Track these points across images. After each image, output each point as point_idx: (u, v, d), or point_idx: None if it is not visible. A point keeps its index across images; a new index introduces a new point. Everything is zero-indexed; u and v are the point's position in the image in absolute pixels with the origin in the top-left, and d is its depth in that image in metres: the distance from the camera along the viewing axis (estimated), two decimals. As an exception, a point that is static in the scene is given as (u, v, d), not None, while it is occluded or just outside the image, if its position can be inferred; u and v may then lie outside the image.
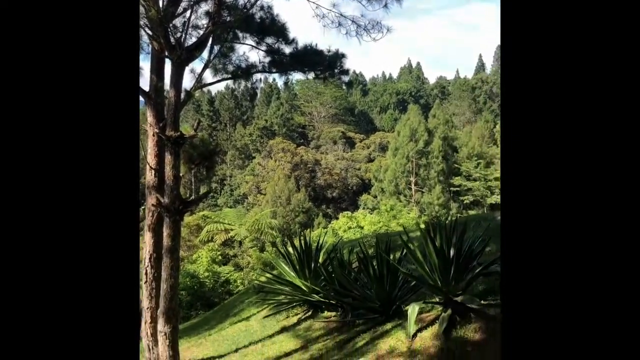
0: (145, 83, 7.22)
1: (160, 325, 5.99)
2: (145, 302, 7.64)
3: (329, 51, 7.90)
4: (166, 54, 6.26)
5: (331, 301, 7.59)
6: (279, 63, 7.71)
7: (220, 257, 22.42)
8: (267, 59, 7.66)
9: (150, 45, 6.89)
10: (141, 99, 7.38)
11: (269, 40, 7.46)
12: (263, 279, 10.59)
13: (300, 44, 7.63)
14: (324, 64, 7.90)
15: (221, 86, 76.14)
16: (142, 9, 5.79)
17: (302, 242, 8.35)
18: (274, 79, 70.78)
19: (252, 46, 7.38)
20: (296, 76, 8.57)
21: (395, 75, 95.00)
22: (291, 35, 7.51)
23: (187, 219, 29.18)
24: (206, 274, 17.35)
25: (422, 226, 7.66)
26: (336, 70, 8.06)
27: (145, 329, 7.59)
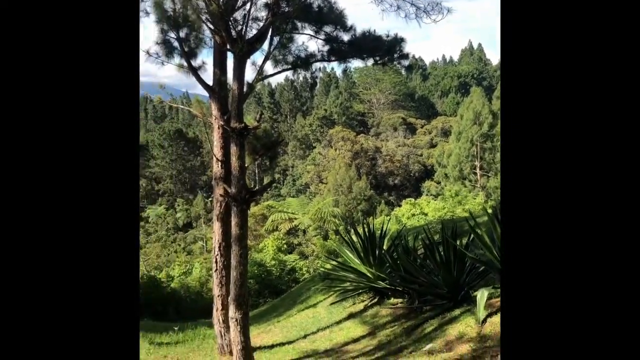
0: (208, 77, 7.42)
1: (232, 312, 6.17)
2: (215, 290, 7.90)
3: (387, 36, 7.80)
4: (228, 47, 6.40)
5: (397, 288, 7.57)
6: (338, 51, 7.69)
7: (285, 246, 22.77)
8: (326, 48, 7.65)
9: (212, 40, 7.07)
10: (205, 93, 7.59)
11: (327, 28, 7.44)
12: (328, 266, 10.69)
13: (359, 31, 7.57)
14: (382, 49, 7.80)
15: (281, 78, 77.03)
16: (202, 4, 5.94)
17: (366, 229, 8.36)
18: (333, 68, 70.78)
19: (311, 35, 7.40)
20: (355, 63, 8.55)
21: (455, 58, 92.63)
22: (349, 22, 7.47)
23: (253, 209, 29.81)
24: (272, 262, 17.68)
25: (490, 211, 7.48)
26: (395, 55, 7.95)
27: (216, 316, 7.86)
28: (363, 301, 8.28)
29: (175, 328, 9.94)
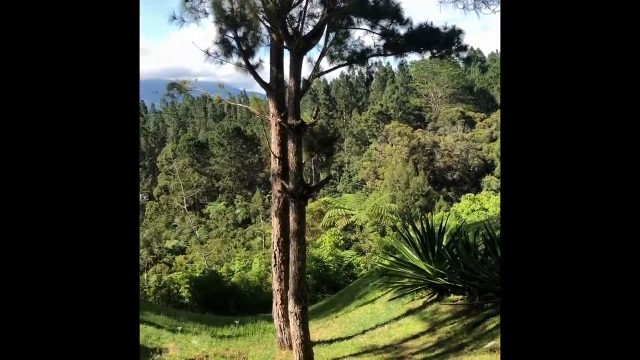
0: (265, 75, 7.53)
1: (291, 306, 6.25)
2: (275, 285, 8.02)
3: (445, 28, 7.65)
4: (284, 44, 6.46)
5: (457, 284, 7.44)
6: (394, 45, 7.61)
7: (342, 242, 22.82)
8: (382, 42, 7.59)
9: (269, 38, 7.16)
10: (263, 91, 7.71)
11: (384, 22, 7.38)
12: (386, 262, 10.62)
13: (415, 23, 7.47)
14: (440, 41, 7.66)
15: (336, 74, 76.96)
16: (259, 3, 6.03)
17: (424, 225, 8.25)
18: (389, 63, 70.20)
19: (367, 30, 7.36)
20: (411, 57, 8.45)
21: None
22: (405, 15, 7.38)
23: (310, 205, 30.01)
24: (330, 258, 17.75)
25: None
26: (453, 47, 7.78)
27: (276, 310, 7.98)
28: (422, 297, 8.18)
29: (236, 322, 10.16)
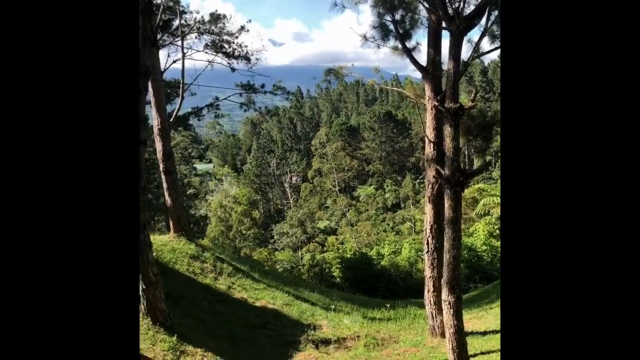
0: (421, 58, 7.39)
1: (444, 295, 6.12)
2: (427, 271, 7.92)
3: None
4: (443, 25, 6.26)
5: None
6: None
7: (497, 231, 21.79)
8: (550, 18, 7.02)
9: (428, 19, 7.00)
10: (415, 74, 7.58)
11: (553, -4, 6.81)
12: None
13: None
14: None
15: (494, 55, 73.14)
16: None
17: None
18: (553, 40, 64.84)
19: (534, 5, 6.85)
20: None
21: None
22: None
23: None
24: (484, 247, 17.08)
25: None
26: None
27: (427, 297, 7.89)
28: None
29: (387, 305, 10.26)
